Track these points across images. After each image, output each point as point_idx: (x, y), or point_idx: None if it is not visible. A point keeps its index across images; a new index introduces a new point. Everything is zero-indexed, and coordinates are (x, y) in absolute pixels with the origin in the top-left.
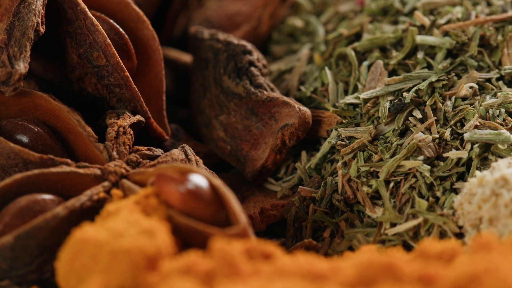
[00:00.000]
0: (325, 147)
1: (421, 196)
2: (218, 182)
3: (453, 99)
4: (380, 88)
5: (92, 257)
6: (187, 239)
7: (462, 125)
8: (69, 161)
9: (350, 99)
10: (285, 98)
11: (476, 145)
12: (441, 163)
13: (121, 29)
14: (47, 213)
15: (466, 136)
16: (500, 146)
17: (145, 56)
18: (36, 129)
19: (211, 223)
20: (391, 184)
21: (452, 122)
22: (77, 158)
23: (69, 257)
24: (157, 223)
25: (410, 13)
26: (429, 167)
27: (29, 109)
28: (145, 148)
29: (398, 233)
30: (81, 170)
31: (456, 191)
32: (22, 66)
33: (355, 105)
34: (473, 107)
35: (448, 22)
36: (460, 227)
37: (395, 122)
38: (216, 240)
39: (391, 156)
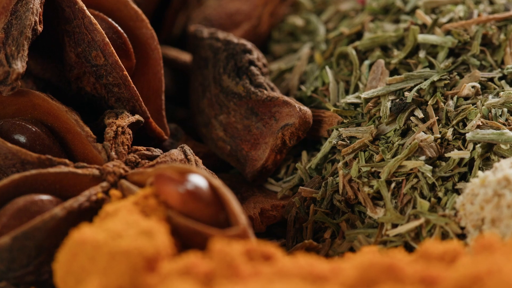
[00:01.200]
0: (326, 147)
1: (422, 196)
2: (217, 182)
3: (455, 98)
4: (381, 88)
5: (90, 258)
6: (186, 240)
7: (464, 125)
8: (67, 161)
9: (351, 98)
10: (286, 98)
11: (479, 145)
12: (443, 163)
13: (119, 28)
14: (45, 214)
15: (468, 136)
16: (502, 146)
17: (144, 55)
18: (34, 129)
19: (211, 224)
20: (393, 185)
21: (454, 122)
22: (75, 158)
23: (67, 258)
24: (156, 224)
25: (412, 12)
26: (431, 167)
27: (27, 109)
28: (144, 148)
29: (399, 234)
30: (79, 171)
31: (458, 192)
32: (19, 65)
33: (356, 105)
34: (475, 106)
35: (450, 21)
36: (462, 228)
37: (397, 122)
38: (216, 241)
39: (393, 156)
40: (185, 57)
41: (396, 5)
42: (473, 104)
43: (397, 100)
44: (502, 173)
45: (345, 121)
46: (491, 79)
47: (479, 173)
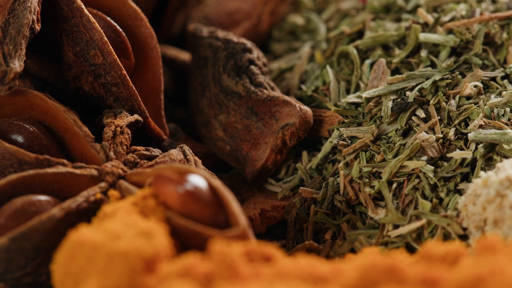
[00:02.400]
0: (326, 147)
1: (424, 197)
2: (217, 183)
3: (457, 98)
4: (382, 87)
5: (88, 259)
6: (185, 241)
7: (467, 125)
8: (65, 161)
9: (352, 98)
10: (286, 97)
11: (481, 145)
12: (445, 164)
13: (118, 27)
14: (43, 215)
15: (471, 136)
16: (505, 146)
17: (143, 54)
18: (31, 129)
19: (210, 224)
20: (394, 185)
21: (456, 122)
22: (74, 158)
23: (65, 259)
24: (155, 225)
25: (413, 11)
26: (432, 167)
27: (24, 109)
28: (143, 148)
29: (401, 235)
30: (77, 171)
31: (460, 192)
32: (17, 65)
33: (357, 104)
34: (478, 106)
35: (452, 19)
36: (464, 229)
37: (398, 121)
38: (216, 242)
39: (394, 157)
40: (185, 56)
41: (398, 4)
42: (475, 103)
43: (399, 100)
44: (505, 174)
45: (346, 120)
46: (493, 79)
47: (482, 173)
